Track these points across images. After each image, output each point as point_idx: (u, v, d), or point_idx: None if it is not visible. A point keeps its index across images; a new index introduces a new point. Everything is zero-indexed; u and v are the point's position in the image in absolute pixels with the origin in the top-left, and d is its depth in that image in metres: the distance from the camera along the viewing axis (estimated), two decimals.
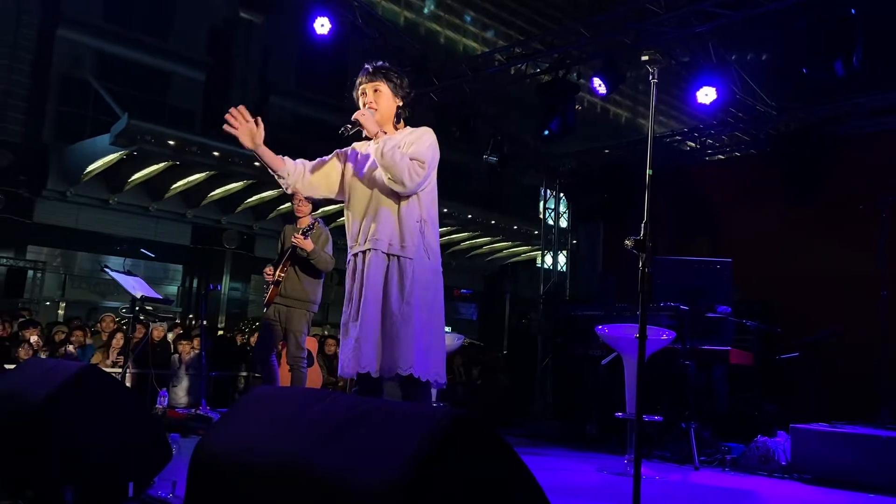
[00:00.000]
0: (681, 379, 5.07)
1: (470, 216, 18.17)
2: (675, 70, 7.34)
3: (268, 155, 2.83)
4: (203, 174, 14.70)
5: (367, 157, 2.89)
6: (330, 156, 2.98)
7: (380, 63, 2.90)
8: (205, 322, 7.38)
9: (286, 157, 2.92)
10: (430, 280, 2.77)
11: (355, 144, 3.00)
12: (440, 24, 24.70)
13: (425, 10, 24.39)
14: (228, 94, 17.73)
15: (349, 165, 2.94)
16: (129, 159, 13.77)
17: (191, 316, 15.69)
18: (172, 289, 17.67)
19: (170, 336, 8.25)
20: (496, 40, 24.93)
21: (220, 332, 11.89)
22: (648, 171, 2.65)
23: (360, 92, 2.89)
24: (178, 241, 17.00)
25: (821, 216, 7.46)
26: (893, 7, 6.57)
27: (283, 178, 2.89)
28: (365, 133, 2.80)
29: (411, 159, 2.69)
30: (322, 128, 20.44)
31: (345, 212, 2.95)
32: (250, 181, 14.87)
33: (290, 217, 5.31)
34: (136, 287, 5.16)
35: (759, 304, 6.79)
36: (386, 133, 2.78)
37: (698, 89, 6.65)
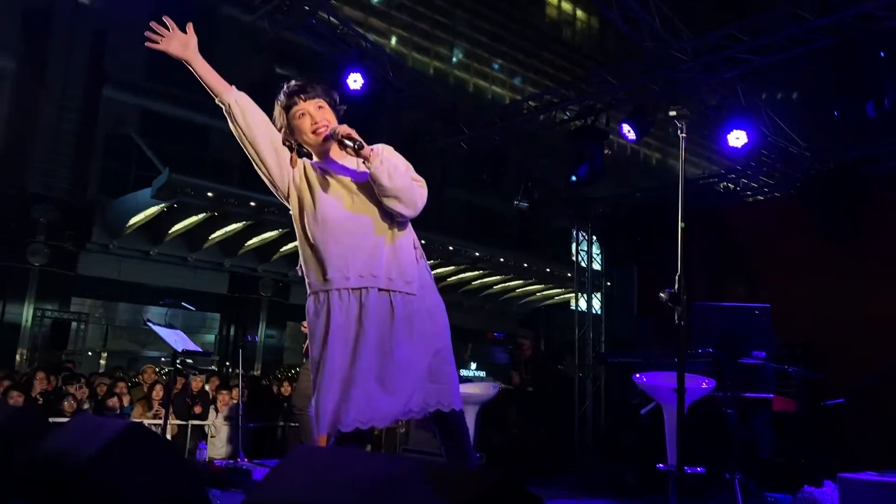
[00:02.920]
0: (723, 428, 4.96)
1: (502, 260, 18.20)
2: (705, 113, 7.37)
3: (205, 69, 2.47)
4: (240, 224, 15.03)
5: (342, 176, 2.50)
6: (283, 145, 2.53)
7: (306, 80, 2.56)
8: (242, 372, 7.47)
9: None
10: (436, 312, 2.53)
11: (308, 161, 2.58)
12: (469, 72, 25.17)
13: (454, 60, 24.91)
14: None
15: (311, 178, 2.49)
16: (170, 211, 14.16)
17: (228, 364, 15.86)
18: (210, 337, 17.92)
19: (208, 386, 8.35)
20: (524, 87, 25.29)
21: (259, 381, 11.96)
22: (681, 224, 2.65)
23: (296, 115, 2.49)
24: (215, 290, 17.31)
25: (860, 257, 7.33)
26: None
27: (225, 102, 2.45)
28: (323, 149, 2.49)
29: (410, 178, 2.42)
30: None
31: (307, 237, 2.47)
32: (285, 230, 15.15)
33: None
34: (178, 341, 5.27)
35: (801, 347, 6.65)
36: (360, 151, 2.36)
37: (729, 132, 6.66)
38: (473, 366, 22.26)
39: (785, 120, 7.83)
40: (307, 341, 5.17)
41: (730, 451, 4.84)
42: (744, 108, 6.74)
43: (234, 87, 2.51)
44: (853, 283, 7.29)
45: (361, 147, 2.32)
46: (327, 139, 2.44)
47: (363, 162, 2.38)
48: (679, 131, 2.69)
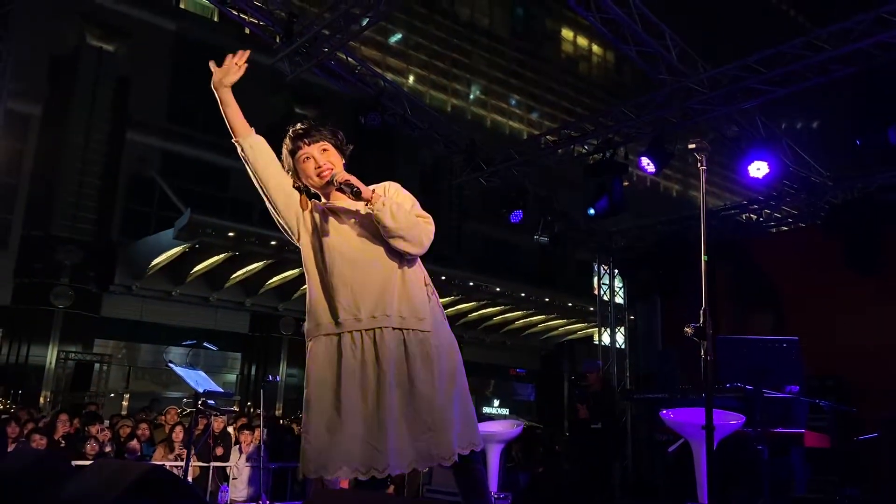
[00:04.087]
0: (754, 465, 4.82)
1: (523, 294, 18.10)
2: (725, 142, 7.34)
3: (232, 107, 2.55)
4: (261, 263, 15.13)
5: (346, 217, 2.51)
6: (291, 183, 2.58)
7: (311, 123, 2.59)
8: (263, 412, 7.43)
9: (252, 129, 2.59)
10: (451, 349, 2.47)
11: (318, 203, 2.60)
12: (486, 108, 25.41)
13: (471, 97, 25.18)
14: None
15: (319, 220, 2.51)
16: (191, 252, 14.31)
17: (249, 403, 15.83)
18: (231, 377, 17.93)
19: (230, 428, 8.30)
20: (541, 121, 25.46)
21: (279, 421, 11.91)
22: (704, 258, 2.61)
23: (301, 158, 2.52)
24: (236, 329, 17.38)
25: (888, 286, 7.19)
26: None
27: (240, 144, 2.54)
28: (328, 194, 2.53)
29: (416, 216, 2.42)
30: None
31: (315, 279, 2.49)
32: None
33: None
34: (199, 381, 5.26)
35: (833, 380, 6.49)
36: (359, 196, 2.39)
37: (749, 163, 6.62)
38: (496, 402, 22.00)
39: (806, 149, 7.78)
40: None
41: (762, 488, 4.69)
42: (763, 139, 6.71)
43: (253, 130, 2.57)
44: (883, 313, 7.13)
45: (359, 193, 2.35)
46: (329, 183, 2.46)
47: (365, 204, 2.39)
48: (699, 164, 2.67)
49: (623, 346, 10.34)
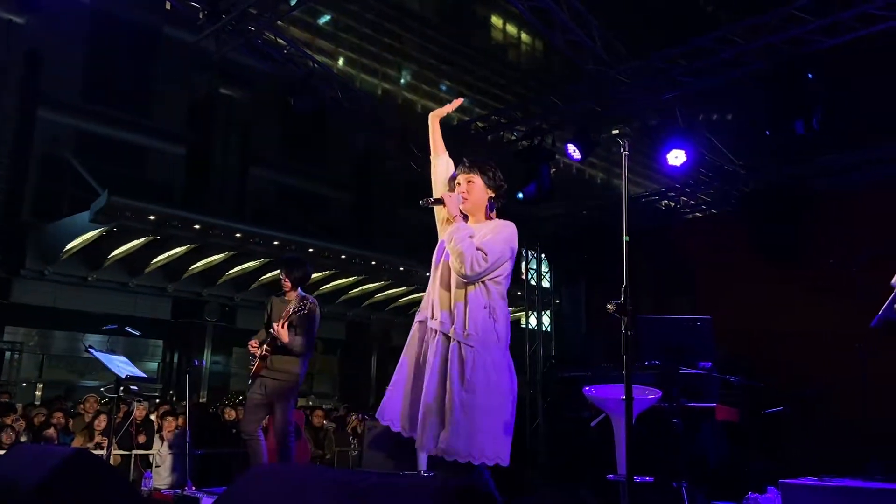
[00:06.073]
0: (670, 437, 5.08)
1: None
2: (646, 132, 7.61)
3: (438, 133, 3.31)
4: (184, 248, 14.70)
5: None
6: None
7: (476, 158, 3.19)
8: (188, 398, 7.27)
9: (445, 152, 3.29)
10: (495, 363, 2.85)
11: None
12: (417, 93, 25.37)
13: (402, 81, 25.07)
14: (209, 166, 17.95)
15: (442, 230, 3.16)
16: (109, 236, 13.76)
17: (172, 392, 15.42)
18: (153, 365, 17.40)
19: (153, 415, 8.10)
20: (472, 108, 25.61)
21: (206, 408, 11.67)
22: (626, 238, 2.75)
23: (456, 182, 3.14)
24: (158, 316, 16.86)
25: (797, 272, 7.64)
26: (851, 70, 6.94)
27: (433, 160, 3.29)
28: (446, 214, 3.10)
29: (478, 249, 2.85)
30: (304, 197, 20.71)
31: (432, 274, 3.14)
32: (231, 253, 14.89)
33: (276, 287, 5.33)
34: (121, 367, 5.12)
35: (745, 359, 6.86)
36: (466, 218, 3.04)
37: (668, 152, 6.89)
38: None
39: (723, 139, 8.16)
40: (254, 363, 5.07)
41: (676, 459, 4.95)
42: (682, 129, 6.99)
43: (447, 153, 3.32)
44: (791, 296, 7.58)
45: (438, 202, 3.09)
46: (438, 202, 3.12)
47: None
48: (622, 149, 2.81)
49: (549, 329, 10.61)
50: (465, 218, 3.04)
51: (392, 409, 2.92)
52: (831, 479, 4.61)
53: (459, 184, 3.12)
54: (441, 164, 3.26)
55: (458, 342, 2.83)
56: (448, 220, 3.07)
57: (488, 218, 3.13)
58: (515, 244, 3.00)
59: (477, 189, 3.10)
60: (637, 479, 4.44)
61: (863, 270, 5.27)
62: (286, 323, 4.83)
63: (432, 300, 3.00)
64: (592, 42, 6.52)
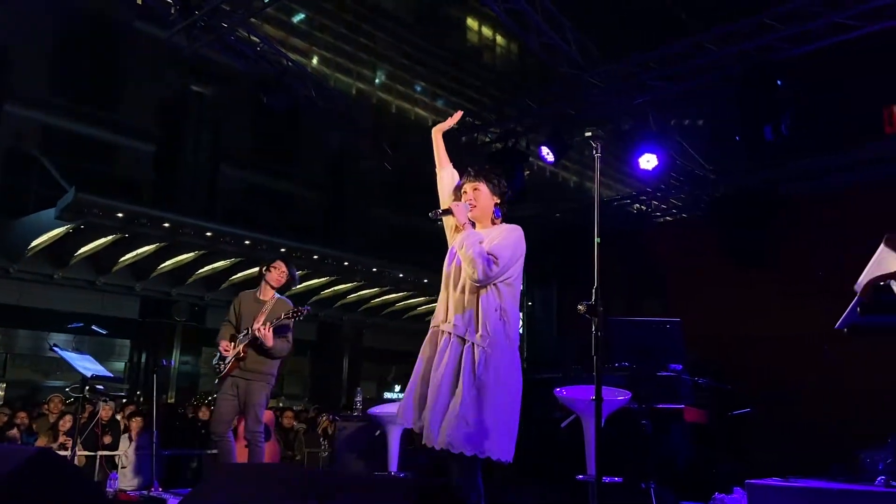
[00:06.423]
0: (639, 439, 5.12)
1: (426, 280, 18.23)
2: (619, 135, 7.68)
3: (442, 147, 3.38)
4: (152, 246, 14.47)
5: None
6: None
7: (480, 167, 3.30)
8: (156, 399, 7.16)
9: (449, 164, 3.38)
10: (506, 364, 2.95)
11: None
12: (391, 94, 25.29)
13: (377, 81, 24.99)
14: (178, 164, 17.69)
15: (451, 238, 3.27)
16: (76, 233, 13.48)
17: (139, 392, 15.16)
18: (120, 364, 17.09)
19: (119, 415, 7.96)
20: (446, 109, 25.62)
21: (175, 408, 11.50)
22: (597, 239, 2.77)
23: (462, 191, 3.26)
24: (125, 315, 16.56)
25: (766, 275, 7.76)
26: (823, 75, 7.07)
27: (439, 172, 3.37)
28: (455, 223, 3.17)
29: (488, 253, 2.95)
30: (275, 196, 20.52)
31: (443, 280, 3.23)
32: (201, 252, 14.69)
33: (247, 284, 5.28)
34: (87, 366, 5.02)
35: (713, 362, 6.95)
36: (474, 225, 3.15)
37: (640, 156, 6.96)
38: (397, 388, 22.10)
39: (695, 144, 8.27)
40: (220, 363, 5.02)
41: (645, 460, 5.00)
42: (654, 133, 7.07)
43: (451, 164, 3.40)
44: (759, 300, 7.69)
45: (446, 212, 3.19)
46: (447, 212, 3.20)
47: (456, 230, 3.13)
48: (594, 151, 2.83)
49: (521, 331, 10.66)
50: (473, 225, 3.16)
51: (406, 408, 3.01)
52: (796, 480, 4.69)
53: (466, 192, 3.23)
54: (446, 176, 3.36)
55: (472, 344, 2.93)
56: (457, 228, 3.15)
57: (494, 223, 3.26)
58: (524, 246, 3.12)
59: (483, 196, 3.23)
60: (606, 479, 4.48)
61: (829, 273, 5.36)
62: (272, 326, 4.83)
63: (446, 305, 3.11)
64: (567, 45, 6.57)
